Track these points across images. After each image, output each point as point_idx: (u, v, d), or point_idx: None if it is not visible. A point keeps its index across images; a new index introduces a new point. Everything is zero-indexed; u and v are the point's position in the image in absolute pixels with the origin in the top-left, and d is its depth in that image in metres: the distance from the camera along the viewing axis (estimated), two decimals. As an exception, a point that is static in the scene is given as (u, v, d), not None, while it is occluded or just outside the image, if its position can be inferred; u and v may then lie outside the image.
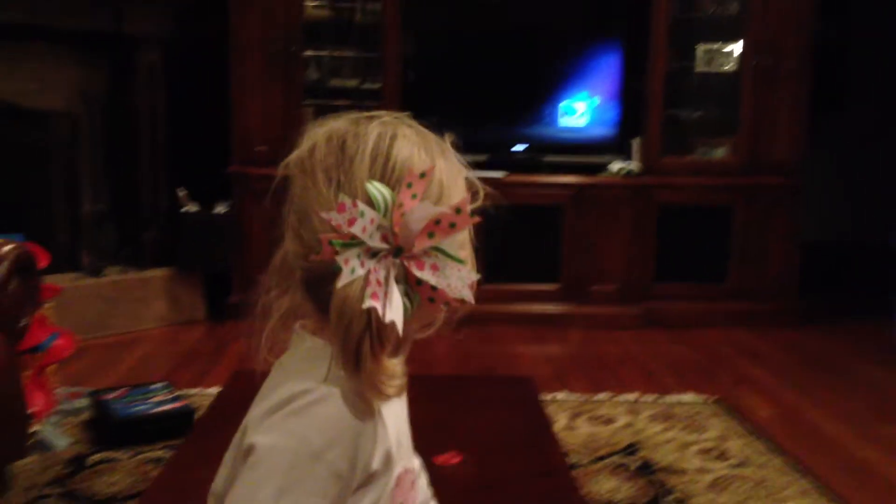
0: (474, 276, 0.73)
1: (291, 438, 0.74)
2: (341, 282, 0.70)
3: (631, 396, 3.15)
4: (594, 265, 4.22)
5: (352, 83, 4.28)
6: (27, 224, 3.77)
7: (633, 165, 4.31)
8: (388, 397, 0.74)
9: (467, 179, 0.82)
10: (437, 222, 0.73)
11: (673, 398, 3.15)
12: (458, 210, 0.72)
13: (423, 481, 1.02)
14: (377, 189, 0.72)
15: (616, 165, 4.30)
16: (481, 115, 4.32)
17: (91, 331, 3.58)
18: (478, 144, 4.34)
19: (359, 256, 0.70)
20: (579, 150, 4.44)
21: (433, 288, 0.72)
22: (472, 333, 3.99)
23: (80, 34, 3.60)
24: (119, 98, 3.84)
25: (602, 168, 4.34)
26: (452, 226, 0.73)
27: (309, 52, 4.13)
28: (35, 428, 2.46)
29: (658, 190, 4.26)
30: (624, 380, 3.40)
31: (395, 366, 0.75)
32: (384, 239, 0.72)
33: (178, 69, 3.98)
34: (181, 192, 3.92)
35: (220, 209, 4.00)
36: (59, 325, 2.91)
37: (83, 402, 2.76)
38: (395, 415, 0.82)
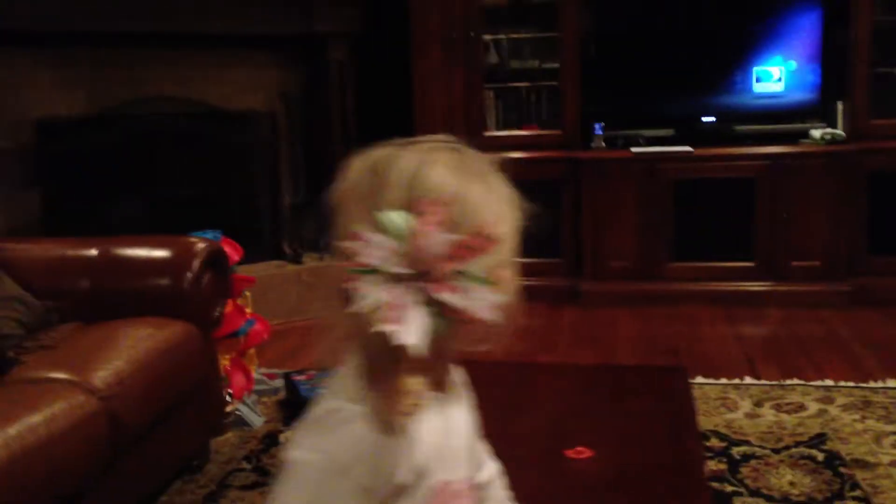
0: (498, 299, 0.74)
1: (321, 455, 0.79)
2: (354, 307, 0.73)
3: (825, 382, 2.94)
4: (794, 239, 3.95)
5: (532, 64, 4.27)
6: (233, 217, 4.12)
7: (837, 131, 3.98)
8: (404, 415, 0.76)
9: (509, 201, 0.82)
10: (459, 247, 0.74)
11: (874, 385, 2.91)
12: (482, 236, 0.73)
13: (496, 489, 1.03)
14: (391, 218, 0.74)
15: (818, 132, 3.99)
16: (666, 88, 4.15)
17: (291, 315, 3.85)
18: (664, 118, 4.20)
19: (375, 283, 0.73)
20: (775, 118, 4.16)
21: (453, 309, 0.73)
22: (661, 312, 3.88)
23: (277, 38, 3.86)
24: (312, 95, 4.08)
25: (801, 136, 4.05)
26: (474, 249, 0.74)
27: (487, 37, 4.17)
28: (233, 406, 2.70)
29: (867, 156, 3.91)
30: (821, 364, 3.17)
31: (414, 384, 0.76)
32: (407, 265, 0.74)
33: (365, 64, 4.16)
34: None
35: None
36: (256, 312, 3.16)
37: (278, 383, 2.98)
38: (439, 429, 0.84)
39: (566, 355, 3.41)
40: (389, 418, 0.77)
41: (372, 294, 0.72)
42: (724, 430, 2.54)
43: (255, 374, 3.00)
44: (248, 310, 3.03)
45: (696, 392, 2.82)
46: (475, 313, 0.74)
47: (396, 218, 0.75)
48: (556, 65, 4.15)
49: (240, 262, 2.94)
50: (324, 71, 4.03)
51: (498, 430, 1.05)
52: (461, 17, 4.02)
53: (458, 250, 0.74)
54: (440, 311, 0.74)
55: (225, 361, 2.83)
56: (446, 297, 0.73)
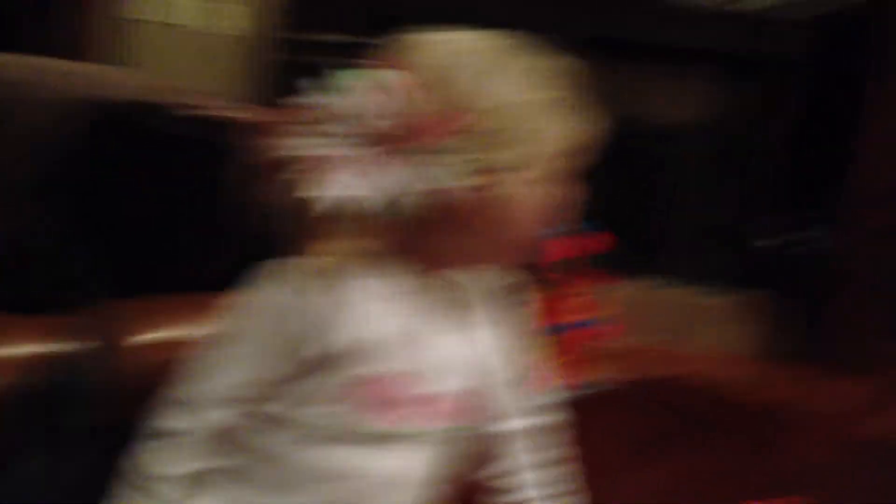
0: (450, 180, 0.69)
1: (242, 303, 0.82)
2: (283, 151, 0.72)
3: None
4: None
5: None
6: (631, 228, 4.12)
7: None
8: (307, 270, 0.74)
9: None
10: (429, 120, 0.73)
11: None
12: (444, 111, 0.69)
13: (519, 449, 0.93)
14: (357, 75, 0.72)
15: None
16: None
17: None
18: None
19: (312, 137, 0.72)
20: None
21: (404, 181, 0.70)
22: None
23: (710, 54, 3.74)
24: (738, 117, 3.87)
25: None
26: (442, 126, 0.72)
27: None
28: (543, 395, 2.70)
29: None
30: None
31: (335, 247, 0.73)
32: (361, 129, 0.73)
33: (804, 92, 3.81)
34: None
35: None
36: (613, 314, 3.13)
37: (606, 388, 2.92)
38: (385, 314, 0.81)
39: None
40: (293, 274, 0.76)
41: (301, 145, 0.72)
42: None
43: (590, 375, 2.99)
44: (601, 308, 3.03)
45: None
46: (431, 192, 0.70)
47: (352, 75, 0.73)
48: None
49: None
50: (758, 95, 3.79)
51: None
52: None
53: (424, 122, 0.70)
54: (399, 185, 0.72)
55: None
56: (402, 168, 0.70)
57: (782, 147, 3.77)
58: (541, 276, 2.48)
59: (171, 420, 0.78)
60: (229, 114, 2.30)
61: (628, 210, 4.14)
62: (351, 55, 0.75)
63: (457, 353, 0.86)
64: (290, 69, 3.39)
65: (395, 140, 0.72)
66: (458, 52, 0.75)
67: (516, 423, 0.95)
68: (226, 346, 0.79)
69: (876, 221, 3.53)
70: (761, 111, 3.77)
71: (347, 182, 0.71)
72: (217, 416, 0.79)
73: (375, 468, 0.83)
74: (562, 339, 2.85)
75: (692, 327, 3.69)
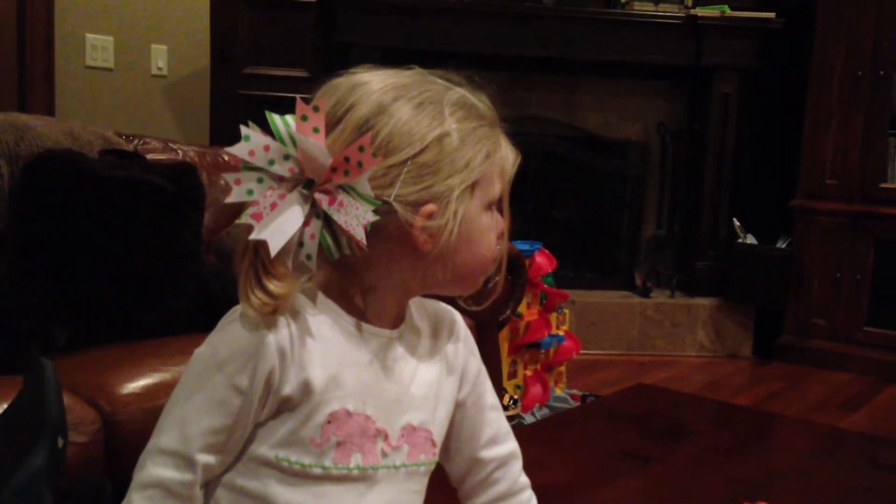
0: (370, 217, 0.70)
1: (208, 348, 0.80)
2: (229, 198, 0.73)
3: None
4: None
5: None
6: (593, 242, 4.16)
7: None
8: (255, 311, 0.74)
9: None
10: (346, 159, 0.73)
11: None
12: (360, 148, 0.70)
13: (515, 468, 0.94)
14: (274, 119, 0.73)
15: None
16: None
17: (631, 348, 3.74)
18: None
19: (255, 180, 0.73)
20: None
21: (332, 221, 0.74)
22: None
23: (663, 68, 3.80)
24: (691, 128, 3.93)
25: None
26: (360, 164, 0.73)
27: (903, 77, 3.63)
28: (515, 412, 2.71)
29: None
30: None
31: (276, 287, 0.74)
32: (292, 170, 0.75)
33: (752, 99, 3.90)
34: (737, 223, 3.84)
35: (780, 244, 3.80)
36: (573, 332, 3.16)
37: (574, 404, 2.93)
38: (350, 357, 0.82)
39: None
40: (248, 316, 0.76)
41: (245, 188, 0.73)
42: None
43: (559, 392, 3.00)
44: (563, 327, 3.04)
45: None
46: (347, 227, 0.71)
47: (279, 120, 0.74)
48: None
49: (584, 286, 2.95)
50: (706, 105, 3.87)
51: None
52: (870, 54, 3.58)
53: (347, 163, 0.72)
54: (329, 222, 0.73)
55: (528, 372, 2.87)
56: (325, 208, 0.72)
57: (728, 157, 3.84)
58: (508, 293, 2.50)
59: (159, 469, 0.77)
60: (169, 155, 2.30)
61: (584, 224, 4.20)
62: (299, 91, 0.78)
63: (414, 387, 0.86)
64: (241, 104, 3.40)
65: (320, 180, 0.74)
66: (381, 90, 0.78)
67: (500, 449, 0.94)
68: (196, 393, 0.79)
69: (828, 219, 3.61)
70: (705, 123, 3.84)
71: (283, 223, 0.73)
72: (203, 462, 0.78)
73: None
74: (532, 356, 2.87)
75: (654, 336, 3.73)
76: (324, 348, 0.80)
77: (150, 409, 1.47)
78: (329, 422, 0.80)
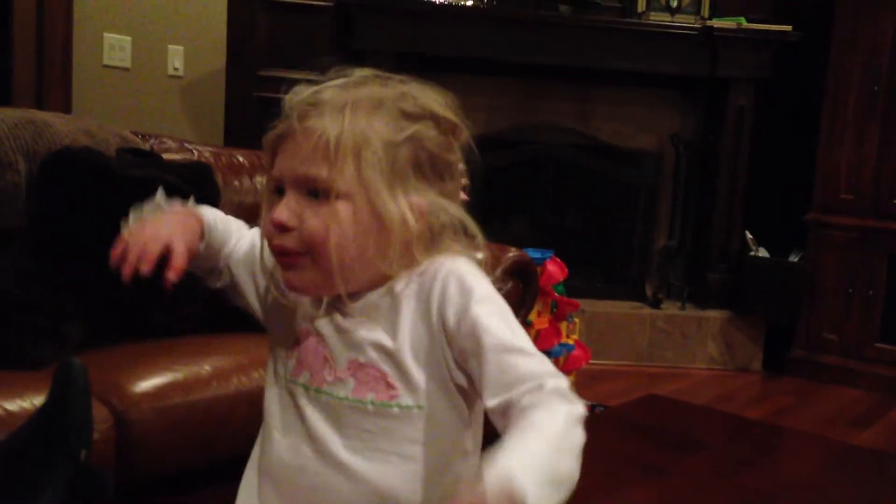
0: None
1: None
2: None
3: None
4: None
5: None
6: (606, 251, 4.14)
7: None
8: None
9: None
10: None
11: None
12: None
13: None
14: None
15: None
16: None
17: (640, 359, 3.73)
18: None
19: None
20: None
21: None
22: None
23: (679, 79, 3.80)
24: (705, 139, 3.93)
25: None
26: None
27: (919, 91, 3.62)
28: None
29: None
30: None
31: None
32: None
33: (767, 111, 3.89)
34: (749, 236, 3.83)
35: (793, 257, 3.79)
36: (583, 341, 3.15)
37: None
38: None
39: None
40: None
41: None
42: None
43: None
44: (573, 336, 3.04)
45: None
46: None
47: None
48: None
49: (595, 295, 2.94)
50: (721, 116, 3.86)
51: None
52: (886, 69, 3.56)
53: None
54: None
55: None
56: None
57: (741, 169, 3.83)
58: (519, 301, 2.50)
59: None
60: (185, 155, 2.30)
61: (596, 233, 4.19)
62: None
63: (373, 333, 0.88)
64: (256, 106, 3.40)
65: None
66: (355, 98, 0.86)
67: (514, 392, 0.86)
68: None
69: (841, 234, 3.60)
70: (719, 135, 3.83)
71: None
72: None
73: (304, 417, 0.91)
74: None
75: (663, 347, 3.72)
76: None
77: (162, 407, 1.48)
78: (292, 336, 0.93)
